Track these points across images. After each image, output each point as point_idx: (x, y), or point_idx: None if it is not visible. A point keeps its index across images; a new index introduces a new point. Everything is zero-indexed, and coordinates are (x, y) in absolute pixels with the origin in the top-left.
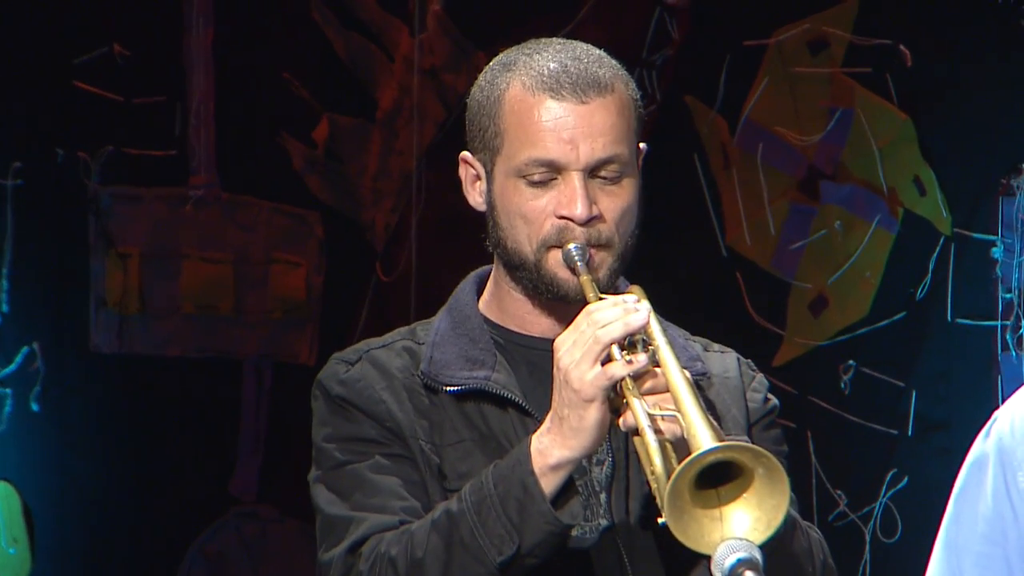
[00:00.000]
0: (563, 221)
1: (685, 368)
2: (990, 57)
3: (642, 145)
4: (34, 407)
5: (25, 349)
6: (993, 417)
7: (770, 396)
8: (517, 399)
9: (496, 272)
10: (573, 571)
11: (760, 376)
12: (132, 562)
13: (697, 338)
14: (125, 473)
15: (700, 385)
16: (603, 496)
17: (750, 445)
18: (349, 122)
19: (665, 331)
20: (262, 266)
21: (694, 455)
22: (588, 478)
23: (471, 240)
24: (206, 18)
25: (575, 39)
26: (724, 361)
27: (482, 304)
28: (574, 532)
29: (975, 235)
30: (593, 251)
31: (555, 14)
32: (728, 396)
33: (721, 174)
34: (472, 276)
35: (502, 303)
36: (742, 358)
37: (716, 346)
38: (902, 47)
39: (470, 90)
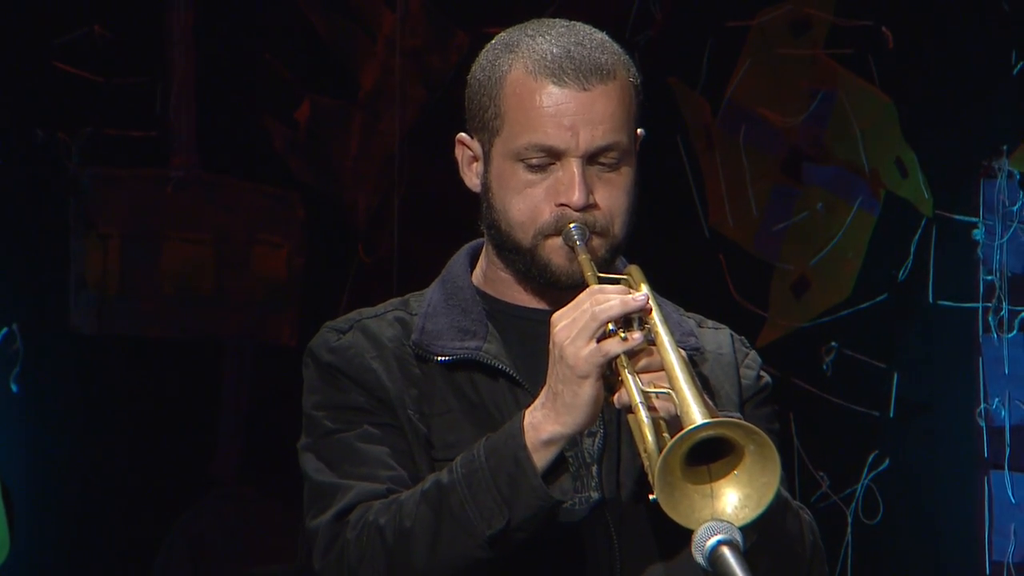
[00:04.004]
0: (561, 209)
1: (680, 344)
2: (972, 39)
3: (640, 131)
4: (13, 388)
5: (4, 330)
6: None
7: (763, 373)
8: (508, 369)
9: (487, 250)
10: (561, 543)
11: (753, 353)
12: (112, 544)
13: (691, 314)
14: (105, 454)
15: (694, 360)
16: (594, 468)
17: (742, 422)
18: (331, 103)
19: (661, 309)
20: (243, 247)
21: (685, 430)
22: (579, 450)
23: (453, 221)
24: None
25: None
26: (718, 337)
27: (475, 276)
28: (564, 504)
29: (957, 217)
30: (590, 236)
31: None
32: (721, 372)
33: (704, 155)
34: (465, 248)
35: (493, 278)
36: (736, 335)
37: (710, 323)
38: (884, 29)
39: (452, 71)
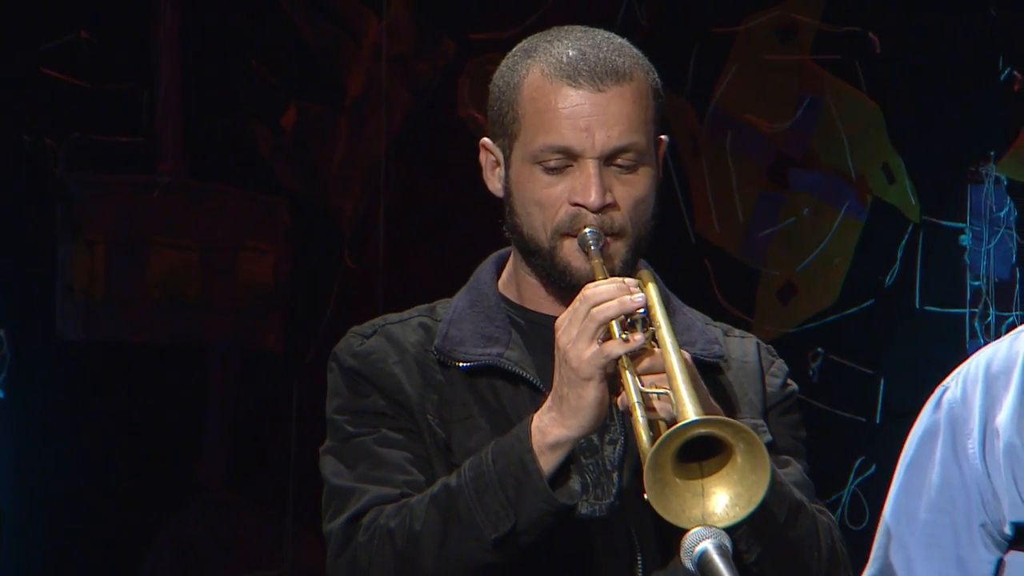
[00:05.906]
0: (576, 208)
1: (703, 353)
2: (959, 44)
3: (663, 137)
4: (0, 394)
5: None
6: (942, 386)
7: (789, 382)
8: (529, 376)
9: (514, 256)
10: (583, 549)
11: (780, 362)
12: (98, 549)
13: (719, 323)
14: (91, 460)
15: (718, 368)
16: (615, 475)
17: (731, 420)
18: (317, 109)
19: (668, 312)
20: (229, 253)
21: (674, 428)
22: (600, 457)
23: (439, 227)
24: (173, 4)
25: (543, 26)
26: (744, 346)
27: (501, 284)
28: (583, 510)
29: (944, 223)
30: (608, 239)
31: (524, 1)
32: (746, 380)
33: (690, 161)
34: (493, 256)
35: (519, 285)
36: (763, 343)
37: (737, 332)
38: (871, 34)
39: (438, 77)
